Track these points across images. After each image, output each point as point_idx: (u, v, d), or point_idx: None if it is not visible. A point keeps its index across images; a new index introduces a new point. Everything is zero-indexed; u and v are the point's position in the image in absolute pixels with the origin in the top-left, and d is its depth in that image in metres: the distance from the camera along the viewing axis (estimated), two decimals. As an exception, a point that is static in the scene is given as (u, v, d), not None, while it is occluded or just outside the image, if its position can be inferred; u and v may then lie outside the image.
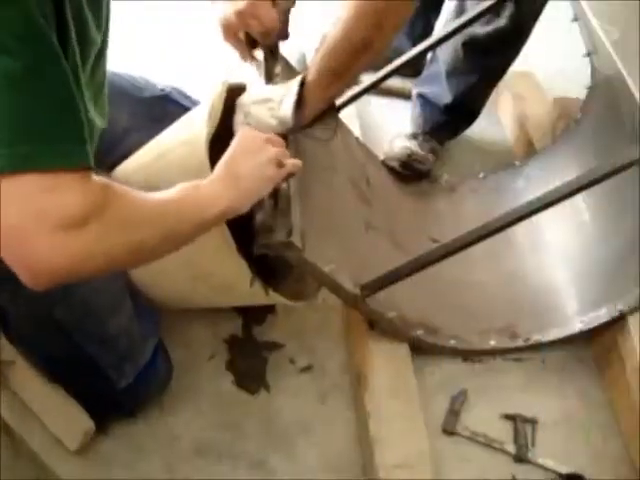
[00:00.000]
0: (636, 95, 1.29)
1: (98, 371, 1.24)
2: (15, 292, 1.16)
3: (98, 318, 1.21)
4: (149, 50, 2.08)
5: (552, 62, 2.24)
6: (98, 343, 1.22)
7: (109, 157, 1.26)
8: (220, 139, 1.17)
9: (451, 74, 1.82)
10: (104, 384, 1.25)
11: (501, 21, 1.67)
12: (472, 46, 1.74)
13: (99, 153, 0.91)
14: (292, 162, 1.14)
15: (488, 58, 1.77)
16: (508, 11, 1.65)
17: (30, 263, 0.77)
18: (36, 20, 0.74)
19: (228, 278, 1.26)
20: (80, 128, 0.80)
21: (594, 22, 1.44)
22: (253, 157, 1.06)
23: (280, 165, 1.10)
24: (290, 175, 1.15)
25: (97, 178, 0.81)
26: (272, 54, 1.38)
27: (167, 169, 1.21)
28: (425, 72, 1.92)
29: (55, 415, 1.26)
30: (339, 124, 1.68)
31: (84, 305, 1.19)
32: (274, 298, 1.30)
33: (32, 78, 0.75)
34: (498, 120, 2.14)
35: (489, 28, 1.69)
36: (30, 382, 1.26)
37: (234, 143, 1.08)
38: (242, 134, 1.11)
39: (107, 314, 1.22)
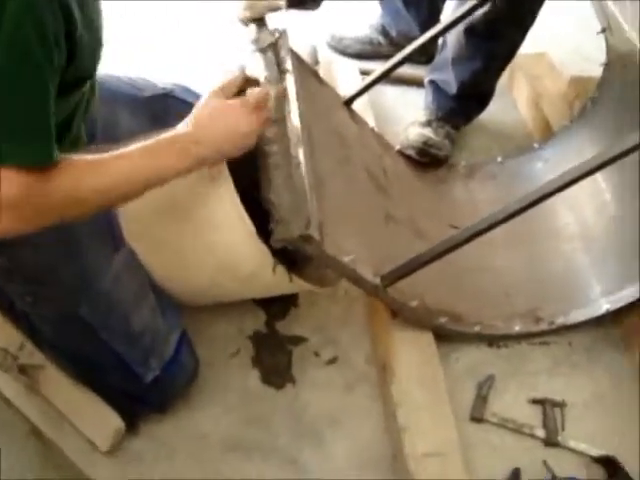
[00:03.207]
0: (652, 71, 1.28)
1: (125, 367, 1.25)
2: (37, 295, 1.19)
3: (122, 313, 1.23)
4: (148, 49, 2.10)
5: (566, 41, 2.22)
6: (124, 339, 1.24)
7: None
8: None
9: (456, 61, 1.81)
10: (131, 380, 1.27)
11: (493, 4, 1.65)
12: (472, 32, 1.73)
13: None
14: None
15: (490, 42, 1.75)
16: None
17: None
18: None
19: (251, 267, 1.25)
20: (40, 127, 0.92)
21: (607, -2, 1.42)
22: (223, 122, 1.12)
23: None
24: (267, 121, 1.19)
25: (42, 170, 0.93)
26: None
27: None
28: (436, 59, 1.90)
29: (86, 416, 1.28)
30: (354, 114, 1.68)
31: (107, 300, 1.21)
32: (298, 285, 1.30)
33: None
34: (514, 102, 2.12)
35: (484, 11, 1.67)
36: (59, 385, 1.28)
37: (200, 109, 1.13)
38: (207, 103, 1.14)
39: (130, 308, 1.24)
